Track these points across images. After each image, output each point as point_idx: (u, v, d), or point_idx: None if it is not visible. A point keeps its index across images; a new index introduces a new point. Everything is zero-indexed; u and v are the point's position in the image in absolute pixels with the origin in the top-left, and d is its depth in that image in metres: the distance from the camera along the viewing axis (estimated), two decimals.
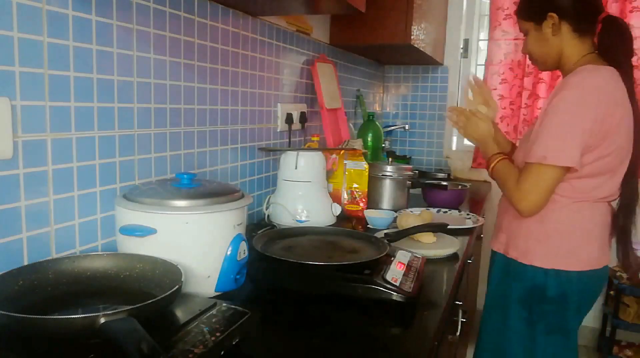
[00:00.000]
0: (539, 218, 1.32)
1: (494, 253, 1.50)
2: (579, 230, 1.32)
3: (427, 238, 1.45)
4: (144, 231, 0.90)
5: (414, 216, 1.62)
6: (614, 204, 1.37)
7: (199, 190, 0.98)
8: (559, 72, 1.44)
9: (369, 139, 2.36)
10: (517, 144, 1.55)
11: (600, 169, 1.27)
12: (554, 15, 1.31)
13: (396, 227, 1.58)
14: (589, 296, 1.38)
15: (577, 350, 1.42)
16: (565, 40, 1.34)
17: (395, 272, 1.06)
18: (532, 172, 1.26)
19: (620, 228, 1.36)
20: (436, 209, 1.94)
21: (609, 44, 1.31)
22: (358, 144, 1.92)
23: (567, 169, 1.25)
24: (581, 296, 1.35)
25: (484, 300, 1.55)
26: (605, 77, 1.25)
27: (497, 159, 1.38)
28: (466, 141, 3.03)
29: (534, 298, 1.35)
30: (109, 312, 0.64)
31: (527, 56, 1.46)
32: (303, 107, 1.89)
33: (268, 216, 1.60)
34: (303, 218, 1.54)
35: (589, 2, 1.33)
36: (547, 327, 1.36)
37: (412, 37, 2.09)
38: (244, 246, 1.00)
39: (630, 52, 1.31)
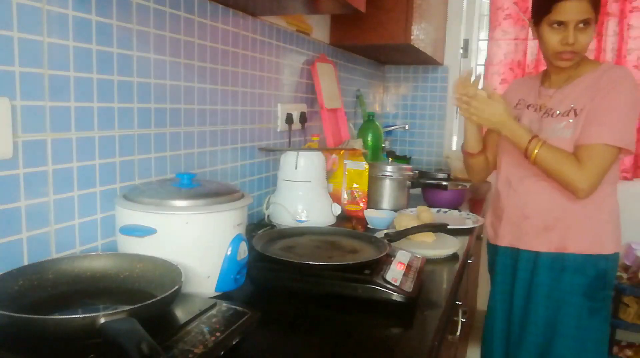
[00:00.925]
0: (598, 205, 1.38)
1: (529, 254, 1.45)
2: (619, 213, 1.43)
3: (427, 236, 1.45)
4: (144, 231, 0.90)
5: (411, 216, 1.62)
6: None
7: (199, 190, 0.98)
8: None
9: (369, 139, 2.36)
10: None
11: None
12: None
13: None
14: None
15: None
16: None
17: (395, 272, 1.06)
18: (596, 152, 1.29)
19: None
20: (436, 210, 1.94)
21: None
22: (358, 144, 1.92)
23: (621, 152, 1.32)
24: (613, 276, 1.44)
25: (515, 305, 1.49)
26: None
27: (540, 143, 1.32)
28: None
29: (597, 287, 1.39)
30: (109, 312, 0.64)
31: (571, 46, 1.31)
32: (303, 107, 1.89)
33: (268, 216, 1.60)
34: (303, 218, 1.54)
35: None
36: (607, 312, 1.42)
37: (412, 37, 2.09)
38: (244, 246, 1.00)
39: None
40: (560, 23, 1.31)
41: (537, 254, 1.44)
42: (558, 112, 1.38)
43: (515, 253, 1.50)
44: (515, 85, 1.62)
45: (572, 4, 1.28)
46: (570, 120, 1.35)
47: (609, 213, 1.40)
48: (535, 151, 1.32)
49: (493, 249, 1.61)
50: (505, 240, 1.53)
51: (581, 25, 1.30)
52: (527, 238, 1.46)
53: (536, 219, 1.44)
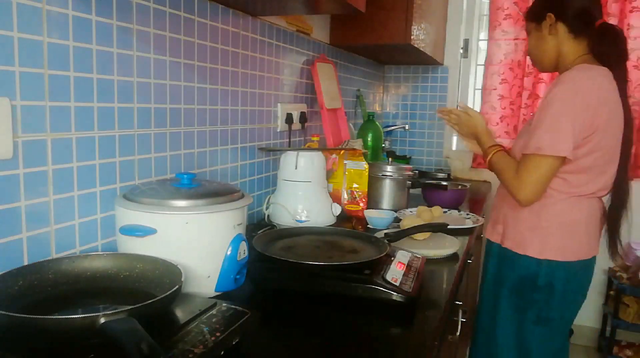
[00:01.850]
0: (535, 211, 1.40)
1: (490, 243, 1.58)
2: (570, 223, 1.40)
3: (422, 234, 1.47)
4: (144, 231, 0.90)
5: (414, 217, 1.62)
6: (604, 199, 1.45)
7: (199, 190, 0.98)
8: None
9: (369, 139, 2.36)
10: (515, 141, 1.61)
11: (590, 164, 1.34)
12: (552, 15, 1.40)
13: (397, 227, 1.58)
14: (575, 286, 1.45)
15: (566, 339, 1.52)
16: (561, 40, 1.41)
17: (395, 272, 1.06)
18: (530, 162, 1.32)
19: (611, 222, 1.44)
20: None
21: (603, 48, 1.38)
22: (358, 144, 1.92)
23: (562, 160, 1.31)
24: (566, 286, 1.42)
25: (479, 289, 1.63)
26: (598, 76, 1.32)
27: (494, 151, 1.45)
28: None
29: (526, 287, 1.44)
30: (109, 312, 0.64)
31: (530, 58, 1.53)
32: (303, 107, 1.89)
33: (268, 216, 1.60)
34: (303, 218, 1.54)
35: (585, 5, 1.39)
36: (536, 315, 1.44)
37: (412, 37, 2.09)
38: (244, 246, 1.00)
39: (623, 56, 1.39)
40: None
41: (490, 243, 1.58)
42: (532, 119, 1.43)
43: (487, 242, 1.62)
44: None
45: None
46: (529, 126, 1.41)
47: (548, 219, 1.39)
48: (487, 158, 1.47)
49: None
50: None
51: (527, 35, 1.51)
52: (487, 228, 1.60)
53: (494, 211, 1.58)
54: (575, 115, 1.27)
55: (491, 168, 1.46)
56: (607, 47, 1.37)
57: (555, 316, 1.44)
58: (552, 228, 1.40)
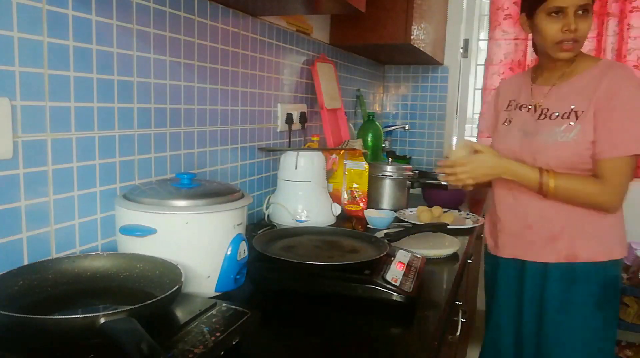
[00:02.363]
0: (595, 214, 1.31)
1: (539, 266, 1.37)
2: (621, 217, 1.36)
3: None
4: (144, 231, 0.90)
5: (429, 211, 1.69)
6: None
7: (199, 190, 0.98)
8: None
9: (369, 139, 2.36)
10: (501, 141, 1.45)
11: None
12: None
13: (397, 227, 1.58)
14: None
15: None
16: None
17: (395, 272, 1.06)
18: (621, 165, 1.24)
19: None
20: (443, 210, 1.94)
21: None
22: (358, 144, 1.92)
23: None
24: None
25: (524, 319, 1.42)
26: None
27: (551, 176, 1.27)
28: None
29: (609, 295, 1.34)
30: (109, 312, 0.64)
31: (573, 33, 1.26)
32: (303, 107, 1.89)
33: (268, 216, 1.60)
34: (303, 218, 1.54)
35: None
36: (617, 320, 1.38)
37: (412, 37, 2.09)
38: (244, 246, 1.00)
39: None
40: (558, 10, 1.25)
41: (545, 265, 1.36)
42: (557, 114, 1.31)
43: (519, 265, 1.41)
44: (505, 85, 1.53)
45: None
46: (572, 123, 1.27)
47: (613, 216, 1.33)
48: (552, 185, 1.27)
49: (493, 260, 1.52)
50: (506, 250, 1.44)
51: (580, 12, 1.25)
52: (532, 248, 1.38)
53: (541, 229, 1.36)
54: None
55: (560, 193, 1.28)
56: None
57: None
58: (618, 223, 1.35)
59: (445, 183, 2.01)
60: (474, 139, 2.90)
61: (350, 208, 1.80)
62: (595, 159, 1.26)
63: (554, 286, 1.35)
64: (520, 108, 1.41)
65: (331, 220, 1.61)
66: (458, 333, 1.39)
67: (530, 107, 1.38)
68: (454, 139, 3.04)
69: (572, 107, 1.30)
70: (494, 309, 1.52)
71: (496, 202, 1.47)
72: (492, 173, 1.33)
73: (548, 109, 1.34)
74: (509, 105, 1.46)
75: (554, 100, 1.34)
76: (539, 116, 1.35)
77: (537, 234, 1.37)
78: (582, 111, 1.27)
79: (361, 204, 1.80)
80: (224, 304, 0.81)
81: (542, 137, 1.32)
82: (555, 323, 1.36)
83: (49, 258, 0.91)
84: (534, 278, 1.38)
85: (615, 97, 1.24)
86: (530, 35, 1.39)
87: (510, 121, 1.42)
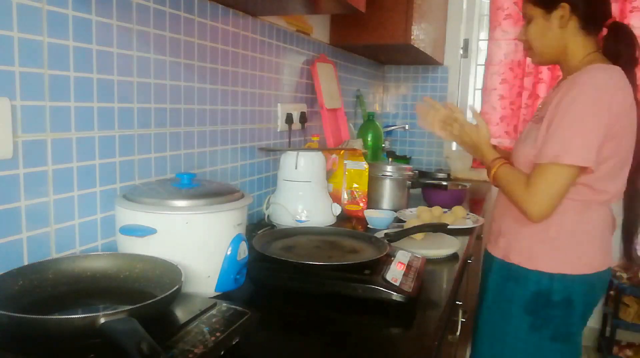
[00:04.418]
0: (544, 221, 1.27)
1: (490, 257, 1.45)
2: (583, 233, 1.29)
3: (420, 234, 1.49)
4: (144, 231, 0.90)
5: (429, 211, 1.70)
6: (614, 205, 1.36)
7: (199, 190, 0.98)
8: (559, 72, 1.43)
9: (369, 139, 2.36)
10: (514, 146, 1.48)
11: (606, 171, 1.23)
12: (566, 6, 1.27)
13: (397, 227, 1.58)
14: (593, 299, 1.36)
15: (580, 354, 1.41)
16: (570, 36, 1.30)
17: (395, 272, 1.06)
18: (546, 173, 1.20)
19: (628, 228, 1.37)
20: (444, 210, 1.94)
21: (615, 49, 1.29)
22: (358, 144, 1.92)
23: (581, 170, 1.20)
24: (586, 300, 1.32)
25: (478, 305, 1.50)
26: (618, 77, 1.21)
27: (499, 164, 1.32)
28: None
29: (539, 303, 1.31)
30: (109, 312, 0.64)
31: (524, 44, 1.37)
32: (303, 107, 1.89)
33: (268, 216, 1.60)
34: (303, 218, 1.54)
35: (600, 2, 1.30)
36: (553, 333, 1.32)
37: (412, 37, 2.09)
38: (244, 246, 1.00)
39: (634, 60, 1.28)
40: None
41: (492, 258, 1.43)
42: (540, 117, 1.30)
43: (485, 256, 1.50)
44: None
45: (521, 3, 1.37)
46: (540, 128, 1.26)
47: (558, 230, 1.28)
48: (493, 171, 1.33)
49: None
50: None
51: (525, 21, 1.35)
52: (489, 240, 1.47)
53: (495, 224, 1.44)
54: (599, 119, 1.16)
55: (496, 182, 1.33)
56: (623, 48, 1.28)
57: (575, 331, 1.35)
58: (564, 239, 1.29)
59: (445, 183, 2.01)
60: None
61: (350, 208, 1.80)
62: (533, 164, 1.26)
63: (493, 279, 1.43)
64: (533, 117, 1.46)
65: (331, 220, 1.61)
66: (458, 333, 1.39)
67: (535, 114, 1.42)
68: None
69: (544, 114, 1.29)
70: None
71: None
72: (469, 142, 1.41)
73: (538, 114, 1.37)
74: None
75: (543, 105, 1.38)
76: (533, 120, 1.39)
77: (493, 228, 1.47)
78: (546, 117, 1.25)
79: (361, 204, 1.80)
80: (224, 304, 0.81)
81: (519, 143, 1.37)
82: (487, 312, 1.45)
83: (49, 258, 0.91)
84: (486, 268, 1.48)
85: (561, 103, 1.20)
86: None
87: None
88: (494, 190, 1.63)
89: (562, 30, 1.29)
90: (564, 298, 1.30)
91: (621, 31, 1.29)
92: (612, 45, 1.29)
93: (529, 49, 1.37)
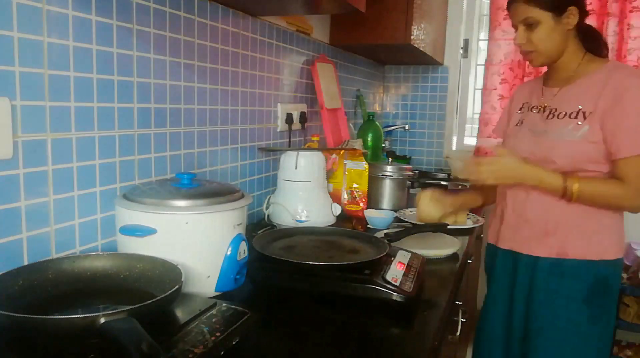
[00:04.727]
0: (596, 210, 1.33)
1: (532, 259, 1.41)
2: (619, 219, 1.38)
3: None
4: (144, 231, 0.90)
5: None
6: None
7: (199, 190, 0.98)
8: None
9: (369, 139, 2.36)
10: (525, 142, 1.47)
11: None
12: (575, 9, 1.32)
13: (397, 227, 1.58)
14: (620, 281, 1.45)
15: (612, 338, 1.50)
16: (571, 37, 1.36)
17: (395, 272, 1.06)
18: (637, 165, 1.26)
19: None
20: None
21: (600, 46, 1.39)
22: (358, 144, 1.92)
23: None
24: (619, 282, 1.41)
25: (515, 312, 1.46)
26: None
27: (575, 181, 1.29)
28: (466, 141, 3.04)
29: (597, 293, 1.36)
30: (109, 312, 0.64)
31: (523, 47, 1.37)
32: (303, 107, 1.89)
33: (268, 216, 1.60)
34: (303, 218, 1.54)
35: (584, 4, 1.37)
36: (608, 319, 1.39)
37: (412, 37, 2.09)
38: (244, 246, 1.00)
39: (606, 56, 1.41)
40: (515, 27, 1.38)
41: (536, 259, 1.40)
42: (564, 113, 1.34)
43: (514, 257, 1.45)
44: (519, 90, 1.60)
45: (514, 7, 1.35)
46: (579, 123, 1.31)
47: (610, 216, 1.34)
48: (575, 189, 1.29)
49: (493, 250, 1.55)
50: (505, 242, 1.48)
51: (526, 25, 1.34)
52: (527, 242, 1.42)
53: (536, 224, 1.40)
54: None
55: (583, 197, 1.30)
56: (603, 46, 1.39)
57: (613, 315, 1.44)
58: (615, 223, 1.37)
59: (445, 183, 2.01)
60: (474, 140, 2.91)
61: (350, 208, 1.80)
62: (613, 159, 1.28)
63: (542, 279, 1.39)
64: (531, 110, 1.46)
65: (331, 220, 1.61)
66: (458, 333, 1.39)
67: (540, 108, 1.43)
68: (454, 139, 3.04)
69: (580, 107, 1.33)
70: (487, 298, 1.57)
71: (503, 194, 1.50)
72: (514, 175, 1.35)
73: (556, 109, 1.38)
74: (521, 108, 1.51)
75: (562, 101, 1.38)
76: (547, 116, 1.39)
77: (533, 229, 1.41)
78: (590, 112, 1.30)
79: (361, 204, 1.80)
80: (224, 304, 0.81)
81: (550, 135, 1.36)
82: (541, 314, 1.40)
83: (49, 258, 0.91)
84: (526, 270, 1.42)
85: (624, 97, 1.26)
86: None
87: (521, 122, 1.46)
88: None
89: (568, 32, 1.35)
90: (617, 282, 1.40)
91: (594, 30, 1.41)
92: (594, 42, 1.40)
93: (529, 53, 1.38)
